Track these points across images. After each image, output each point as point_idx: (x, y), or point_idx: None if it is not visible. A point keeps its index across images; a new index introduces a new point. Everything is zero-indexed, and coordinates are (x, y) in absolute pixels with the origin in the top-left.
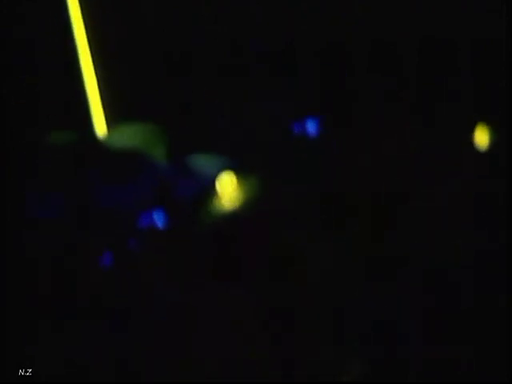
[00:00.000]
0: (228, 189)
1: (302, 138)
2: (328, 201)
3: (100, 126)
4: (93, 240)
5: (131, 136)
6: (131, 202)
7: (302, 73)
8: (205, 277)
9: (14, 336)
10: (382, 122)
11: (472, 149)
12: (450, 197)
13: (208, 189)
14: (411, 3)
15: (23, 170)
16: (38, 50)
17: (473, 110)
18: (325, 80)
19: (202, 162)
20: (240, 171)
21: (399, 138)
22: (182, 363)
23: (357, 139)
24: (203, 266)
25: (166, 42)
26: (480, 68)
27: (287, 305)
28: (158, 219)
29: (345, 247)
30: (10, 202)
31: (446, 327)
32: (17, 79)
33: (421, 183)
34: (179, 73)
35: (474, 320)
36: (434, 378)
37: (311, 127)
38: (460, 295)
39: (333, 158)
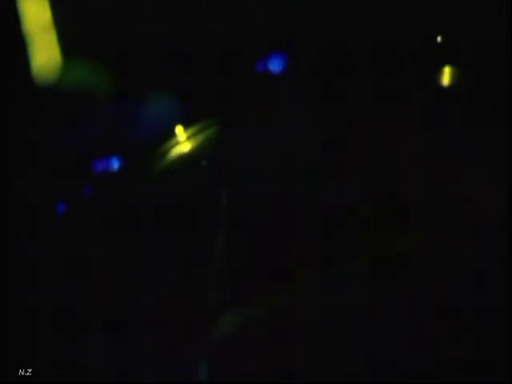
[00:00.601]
0: (183, 134)
1: (264, 77)
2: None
3: (47, 67)
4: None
5: (80, 77)
6: (83, 147)
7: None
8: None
9: (14, 336)
10: (383, 122)
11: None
12: (451, 197)
13: (163, 134)
14: (412, 3)
15: None
16: None
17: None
18: (325, 80)
19: (157, 105)
20: (196, 116)
21: (400, 138)
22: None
23: (357, 138)
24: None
25: None
26: (480, 68)
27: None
28: (112, 164)
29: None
30: None
31: (445, 327)
32: None
33: (422, 184)
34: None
35: (474, 320)
36: (434, 378)
37: (274, 65)
38: (460, 295)
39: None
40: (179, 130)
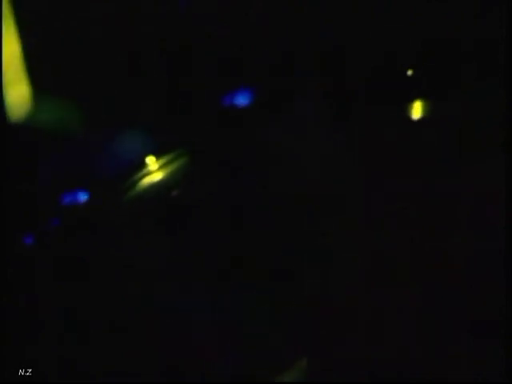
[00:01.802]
0: (153, 168)
1: (231, 111)
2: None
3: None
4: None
5: (49, 113)
6: (51, 182)
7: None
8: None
9: (14, 336)
10: (383, 122)
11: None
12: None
13: (133, 167)
14: (412, 4)
15: None
16: None
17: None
18: (326, 81)
19: (126, 139)
20: (167, 150)
21: (400, 138)
22: None
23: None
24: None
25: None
26: (480, 68)
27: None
28: (80, 197)
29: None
30: None
31: (445, 327)
32: None
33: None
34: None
35: (474, 320)
36: (433, 377)
37: (241, 99)
38: (460, 295)
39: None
40: (150, 160)
